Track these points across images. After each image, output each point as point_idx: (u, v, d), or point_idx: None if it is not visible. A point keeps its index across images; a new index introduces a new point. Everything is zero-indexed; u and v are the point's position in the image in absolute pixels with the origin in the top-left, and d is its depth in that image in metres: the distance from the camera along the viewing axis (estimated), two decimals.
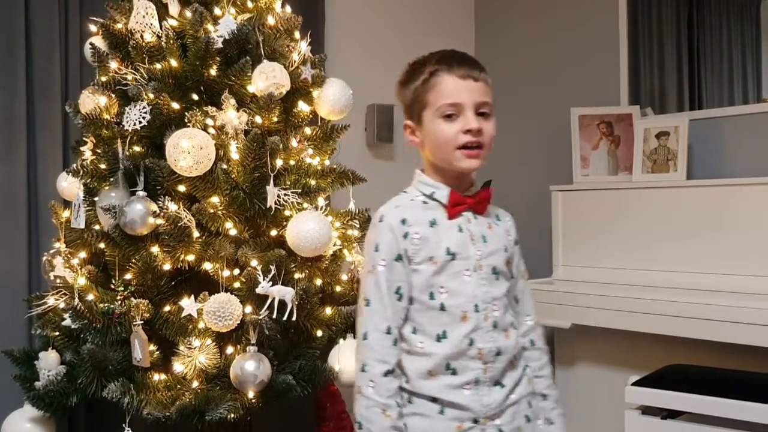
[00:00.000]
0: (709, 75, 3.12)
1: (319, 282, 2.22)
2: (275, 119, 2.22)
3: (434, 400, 1.43)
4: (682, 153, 2.90)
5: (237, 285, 2.07)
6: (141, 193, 2.09)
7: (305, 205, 2.19)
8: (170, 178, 2.12)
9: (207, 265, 2.09)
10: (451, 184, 1.49)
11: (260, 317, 2.01)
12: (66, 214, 2.28)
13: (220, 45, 2.20)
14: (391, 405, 1.40)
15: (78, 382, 2.10)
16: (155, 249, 2.07)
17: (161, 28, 2.22)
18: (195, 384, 2.02)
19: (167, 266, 2.08)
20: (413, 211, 1.47)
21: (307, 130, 2.40)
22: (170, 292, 2.11)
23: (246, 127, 2.17)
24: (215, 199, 2.13)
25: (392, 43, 3.57)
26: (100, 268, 2.21)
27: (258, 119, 2.18)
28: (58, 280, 2.21)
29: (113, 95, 2.21)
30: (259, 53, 2.24)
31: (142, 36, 2.21)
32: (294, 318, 2.05)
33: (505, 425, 1.45)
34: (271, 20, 2.35)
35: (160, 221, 2.06)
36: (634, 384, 2.39)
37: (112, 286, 2.11)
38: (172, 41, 2.18)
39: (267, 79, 2.19)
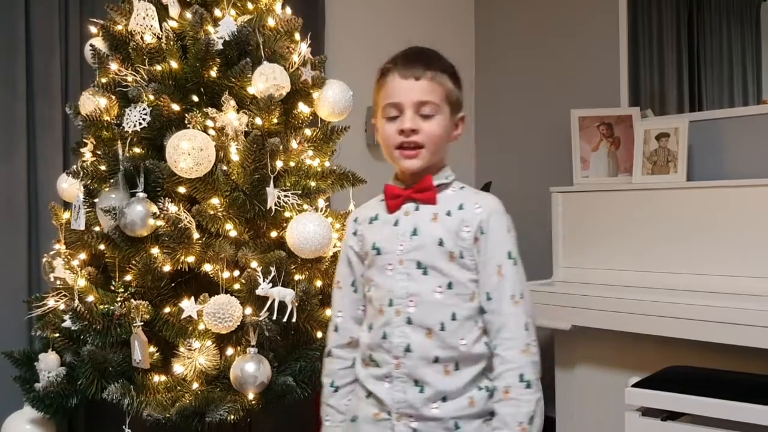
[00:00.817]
0: (709, 76, 3.12)
1: (319, 283, 2.22)
2: (275, 121, 2.22)
3: (363, 385, 1.49)
4: (682, 154, 2.90)
5: (237, 286, 2.07)
6: (141, 195, 2.09)
7: (305, 206, 2.19)
8: (170, 179, 2.12)
9: (207, 267, 2.09)
10: (406, 181, 1.48)
11: (260, 319, 2.01)
12: (66, 215, 2.28)
13: (220, 46, 2.20)
14: (326, 383, 1.56)
15: (78, 384, 2.10)
16: (155, 250, 2.07)
17: (161, 30, 2.22)
18: (195, 385, 2.02)
19: (167, 268, 2.08)
20: (369, 210, 1.54)
21: (307, 132, 2.40)
22: (170, 293, 2.11)
23: (246, 129, 2.17)
24: (215, 201, 2.13)
25: (392, 44, 3.55)
26: (100, 270, 2.21)
27: (258, 121, 2.18)
28: (58, 282, 2.20)
29: (113, 97, 2.21)
30: (259, 55, 2.24)
31: (142, 37, 2.22)
32: (294, 319, 2.05)
33: None
34: (271, 22, 2.35)
35: (160, 223, 2.06)
36: (634, 385, 2.39)
37: (112, 288, 2.11)
38: (172, 43, 2.18)
39: (267, 80, 2.19)
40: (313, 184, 2.28)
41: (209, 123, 2.15)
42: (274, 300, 2.03)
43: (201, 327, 2.03)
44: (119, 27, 2.29)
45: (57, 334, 2.18)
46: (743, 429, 2.16)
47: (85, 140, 2.34)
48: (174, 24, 2.25)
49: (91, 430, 2.55)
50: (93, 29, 2.35)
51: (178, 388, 2.03)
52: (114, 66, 2.25)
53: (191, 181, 2.12)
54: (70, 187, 2.32)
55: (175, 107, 2.17)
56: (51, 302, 2.21)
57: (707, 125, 3.02)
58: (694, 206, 2.74)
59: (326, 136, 2.42)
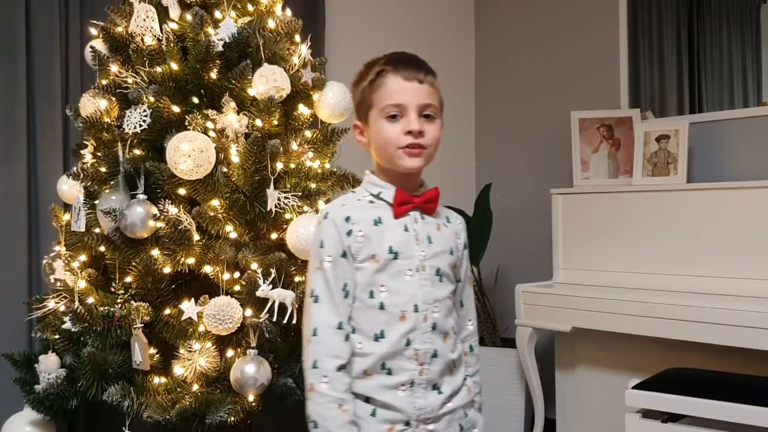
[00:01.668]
0: (709, 78, 3.12)
1: None
2: (275, 122, 2.22)
3: (367, 400, 1.41)
4: (683, 156, 2.90)
5: (237, 288, 2.07)
6: (141, 196, 2.09)
7: (305, 208, 2.19)
8: (170, 181, 2.12)
9: (207, 268, 2.09)
10: (398, 185, 1.47)
11: (260, 320, 2.01)
12: (66, 217, 2.28)
13: (220, 48, 2.20)
14: (347, 399, 1.38)
15: (78, 386, 2.10)
16: (155, 252, 2.07)
17: (162, 32, 2.22)
18: (195, 387, 2.02)
19: (167, 269, 2.08)
20: (359, 210, 1.46)
21: (308, 133, 2.40)
22: (170, 295, 2.11)
23: (246, 131, 2.18)
24: (215, 202, 2.14)
25: (392, 46, 3.54)
26: (100, 271, 2.21)
27: (258, 122, 2.18)
28: (58, 283, 2.21)
29: (114, 98, 2.22)
30: (259, 56, 2.24)
31: (142, 39, 2.22)
32: (294, 321, 2.05)
33: None
34: (271, 23, 2.35)
35: (160, 224, 2.06)
36: (634, 387, 2.39)
37: (113, 290, 2.11)
38: (172, 44, 2.19)
39: (267, 82, 2.19)
40: (313, 185, 2.29)
41: (209, 125, 2.15)
42: (274, 302, 2.03)
43: (201, 329, 2.03)
44: (119, 29, 2.30)
45: (57, 336, 2.18)
46: (743, 431, 2.16)
47: (85, 142, 2.34)
48: (174, 26, 2.25)
49: None
50: (93, 31, 2.35)
51: (178, 389, 2.03)
52: (114, 68, 2.25)
53: (191, 183, 2.12)
54: (70, 188, 2.32)
55: (176, 109, 2.17)
56: (51, 304, 2.21)
57: (707, 127, 3.02)
58: (694, 208, 2.74)
59: (326, 137, 2.43)
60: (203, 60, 2.17)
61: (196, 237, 2.10)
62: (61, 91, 2.66)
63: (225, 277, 2.06)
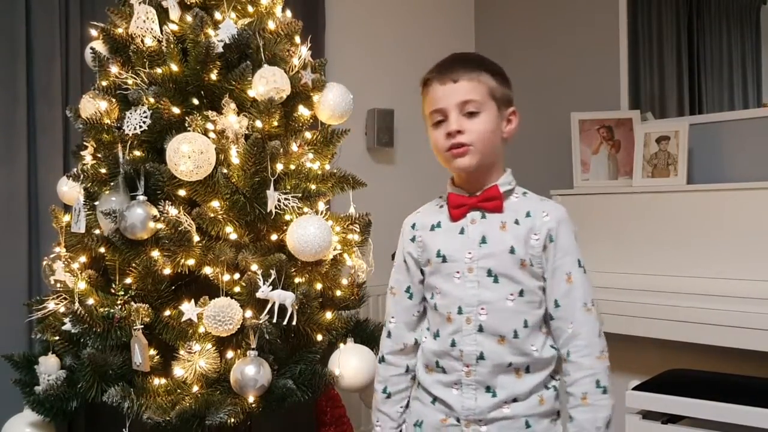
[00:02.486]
0: (709, 79, 3.12)
1: (319, 286, 2.22)
2: (275, 123, 2.22)
3: (428, 391, 1.49)
4: (683, 157, 2.90)
5: (237, 289, 2.07)
6: (141, 198, 2.09)
7: (305, 209, 2.19)
8: (171, 182, 2.12)
9: (207, 270, 2.09)
10: (464, 186, 1.51)
11: (260, 322, 2.01)
12: (66, 218, 2.28)
13: (220, 49, 2.20)
14: (378, 389, 1.58)
15: (78, 387, 2.09)
16: (155, 253, 2.07)
17: (162, 33, 2.22)
18: (195, 388, 2.01)
19: (167, 270, 2.08)
20: (426, 216, 1.54)
21: (308, 135, 2.40)
22: (170, 296, 2.11)
23: (246, 132, 2.17)
24: (215, 204, 2.13)
25: (392, 47, 3.58)
26: (100, 273, 2.21)
27: (258, 123, 2.18)
28: (58, 285, 2.20)
29: (114, 100, 2.21)
30: (259, 58, 2.24)
31: (142, 40, 2.22)
32: (294, 322, 2.05)
33: None
34: (271, 25, 2.35)
35: (160, 225, 2.06)
36: (634, 388, 2.39)
37: (113, 291, 2.11)
38: (172, 46, 2.19)
39: (267, 83, 2.19)
40: (313, 187, 2.28)
41: (209, 126, 2.15)
42: (274, 303, 2.02)
43: (201, 330, 2.03)
44: (120, 30, 2.29)
45: (57, 337, 2.18)
46: None
47: (85, 143, 2.34)
48: (174, 27, 2.25)
49: None
50: (93, 32, 2.35)
51: (178, 391, 2.03)
52: (114, 69, 2.25)
53: (191, 184, 2.12)
54: (70, 190, 2.32)
55: (176, 110, 2.17)
56: (51, 305, 2.20)
57: (707, 128, 3.02)
58: (694, 209, 2.74)
59: (326, 139, 2.43)
60: (203, 61, 2.17)
61: (196, 238, 2.10)
62: (61, 92, 2.66)
63: (225, 278, 2.06)
